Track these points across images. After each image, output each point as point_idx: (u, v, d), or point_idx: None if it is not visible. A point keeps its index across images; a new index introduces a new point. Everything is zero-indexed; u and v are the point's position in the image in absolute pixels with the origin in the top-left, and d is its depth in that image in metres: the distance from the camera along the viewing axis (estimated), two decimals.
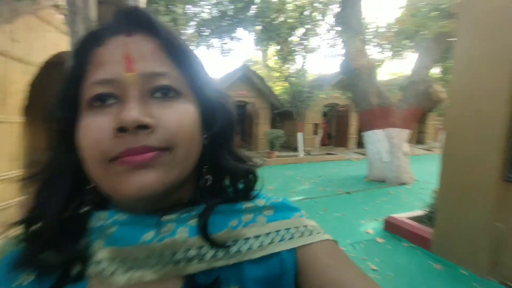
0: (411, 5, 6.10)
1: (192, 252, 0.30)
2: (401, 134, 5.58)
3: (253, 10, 8.58)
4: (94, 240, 0.31)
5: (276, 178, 6.40)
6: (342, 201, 4.50)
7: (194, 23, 8.95)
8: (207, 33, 9.15)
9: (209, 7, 9.48)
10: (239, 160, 0.37)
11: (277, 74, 10.69)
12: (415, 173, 5.82)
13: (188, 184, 0.34)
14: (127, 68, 0.28)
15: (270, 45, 9.20)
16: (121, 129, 0.27)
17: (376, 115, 5.60)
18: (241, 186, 0.37)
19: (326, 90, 9.84)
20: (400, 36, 6.47)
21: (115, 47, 0.30)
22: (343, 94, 8.65)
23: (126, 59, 0.29)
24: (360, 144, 9.32)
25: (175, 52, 0.31)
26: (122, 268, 0.29)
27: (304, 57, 9.61)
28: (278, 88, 11.83)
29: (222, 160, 0.36)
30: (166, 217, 0.31)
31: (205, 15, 9.29)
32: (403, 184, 5.47)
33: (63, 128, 0.32)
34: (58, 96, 0.32)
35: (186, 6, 8.47)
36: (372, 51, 7.78)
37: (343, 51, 6.09)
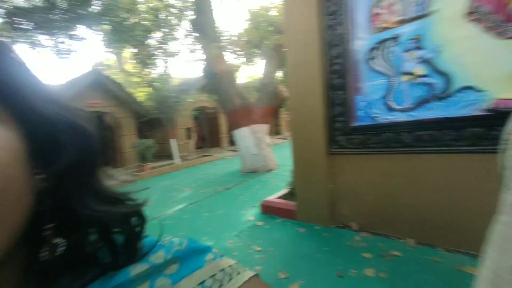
0: (254, 19, 7.27)
1: None
2: (263, 129, 6.52)
3: (96, 6, 7.34)
4: None
5: (153, 192, 5.88)
6: (223, 198, 4.74)
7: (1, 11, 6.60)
8: (29, 27, 7.01)
9: None
10: (110, 201, 0.27)
11: (138, 79, 9.74)
12: (277, 159, 6.96)
13: (13, 261, 0.22)
14: None
15: (124, 47, 8.23)
16: None
17: (240, 114, 6.28)
18: (120, 239, 0.27)
19: (193, 94, 9.96)
20: (249, 45, 7.55)
21: None
22: (209, 97, 9.08)
23: None
24: (232, 142, 10.14)
25: None
26: None
27: (166, 61, 9.29)
28: (140, 94, 10.82)
29: (80, 207, 0.24)
30: None
31: (20, 2, 7.05)
32: (270, 170, 6.43)
33: None
34: None
35: None
36: (230, 57, 8.62)
37: (204, 56, 6.37)
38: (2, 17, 6.75)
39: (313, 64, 2.63)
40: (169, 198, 5.25)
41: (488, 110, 1.73)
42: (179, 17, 8.11)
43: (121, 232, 0.27)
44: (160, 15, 7.97)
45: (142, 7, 8.30)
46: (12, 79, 0.22)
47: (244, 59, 8.54)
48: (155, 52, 8.72)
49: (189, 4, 7.48)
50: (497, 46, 1.58)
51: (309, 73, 2.69)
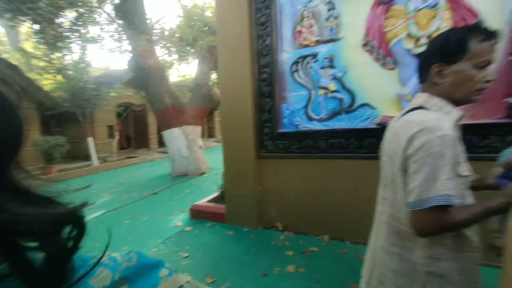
0: (187, 16, 7.00)
1: None
2: (195, 130, 6.34)
3: None
4: None
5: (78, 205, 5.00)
6: (149, 203, 4.40)
7: None
8: None
9: None
10: (35, 201, 0.21)
11: (43, 64, 8.12)
12: (210, 162, 6.88)
13: None
14: None
15: (22, 21, 6.66)
16: None
17: (171, 114, 5.96)
18: (48, 251, 0.19)
19: (116, 88, 8.90)
20: (182, 42, 7.23)
21: None
22: (136, 93, 8.30)
23: None
24: (162, 143, 9.50)
25: None
26: None
27: (84, 47, 8.03)
28: (47, 82, 9.05)
29: None
30: None
31: None
32: (203, 173, 6.29)
33: None
34: None
35: None
36: (161, 52, 8.05)
37: (130, 48, 5.79)
38: None
39: (244, 70, 2.72)
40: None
41: (379, 124, 2.13)
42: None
43: (44, 247, 0.19)
44: None
45: None
46: None
47: (177, 56, 8.13)
48: (69, 35, 7.42)
49: None
50: (383, 74, 1.98)
51: (240, 78, 2.76)
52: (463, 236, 0.75)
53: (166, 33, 7.32)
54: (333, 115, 2.34)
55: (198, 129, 6.45)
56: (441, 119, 0.72)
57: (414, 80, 1.92)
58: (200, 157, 6.40)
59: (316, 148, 2.47)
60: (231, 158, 3.01)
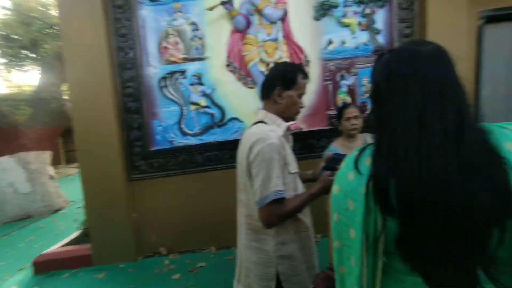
0: (20, 11, 5.33)
1: None
2: (41, 157, 4.90)
3: None
4: None
5: None
6: None
7: None
8: None
9: None
10: None
11: None
12: (69, 194, 5.47)
13: None
14: None
15: None
16: None
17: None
18: None
19: None
20: (13, 44, 5.45)
21: None
22: None
23: None
24: None
25: None
26: None
27: None
28: None
29: None
30: None
31: None
32: (58, 210, 4.91)
33: None
34: None
35: None
36: None
37: None
38: None
39: (104, 85, 2.38)
40: None
41: None
42: None
43: None
44: None
45: None
46: None
47: (3, 61, 6.05)
48: None
49: None
50: (245, 92, 2.29)
51: (98, 94, 2.39)
52: (299, 220, 0.95)
53: None
54: (206, 129, 2.43)
55: (45, 155, 5.02)
56: (271, 131, 0.91)
57: None
58: (52, 190, 4.97)
59: (193, 162, 2.47)
60: (93, 186, 2.51)
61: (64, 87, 5.97)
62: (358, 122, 1.70)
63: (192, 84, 2.37)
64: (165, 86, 2.40)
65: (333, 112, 2.37)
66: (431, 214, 0.43)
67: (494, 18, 2.35)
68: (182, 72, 2.37)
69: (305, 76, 1.01)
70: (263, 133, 0.89)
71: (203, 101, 2.39)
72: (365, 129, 1.76)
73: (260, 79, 2.34)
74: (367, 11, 2.30)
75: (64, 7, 2.40)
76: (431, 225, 0.43)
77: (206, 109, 2.40)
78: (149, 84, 2.40)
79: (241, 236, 1.03)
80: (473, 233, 0.41)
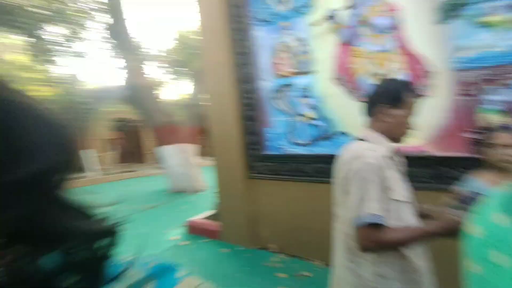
0: (181, 40, 7.27)
1: None
2: (189, 149, 6.44)
3: None
4: None
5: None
6: (147, 216, 4.54)
7: None
8: None
9: None
10: (79, 215, 0.24)
11: (33, 75, 8.07)
12: (207, 180, 6.88)
13: None
14: None
15: (7, 31, 6.65)
16: None
17: (166, 132, 6.11)
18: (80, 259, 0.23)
19: (112, 104, 9.08)
20: (176, 63, 7.51)
21: None
22: (131, 110, 8.49)
23: None
24: (158, 159, 9.61)
25: None
26: None
27: (72, 61, 8.18)
28: (36, 93, 9.06)
29: (44, 222, 0.20)
30: None
31: None
32: (199, 191, 6.32)
33: None
34: None
35: None
36: (156, 72, 8.27)
37: (124, 66, 5.99)
38: None
39: (229, 95, 2.89)
40: None
41: None
42: (90, 16, 7.20)
43: (86, 252, 0.22)
44: (53, 5, 6.79)
45: None
46: None
47: (172, 76, 8.39)
48: (56, 48, 7.42)
49: (101, 5, 6.68)
50: (353, 106, 2.15)
51: (226, 102, 2.93)
52: (405, 258, 0.84)
53: (162, 54, 7.59)
54: (315, 140, 2.46)
55: (193, 147, 6.56)
56: (371, 150, 0.86)
57: None
58: (196, 175, 6.50)
59: (301, 171, 2.55)
60: (223, 178, 3.15)
61: (204, 96, 7.52)
62: None
63: (300, 97, 2.49)
64: (276, 97, 2.65)
65: (473, 135, 1.75)
66: None
67: None
68: (291, 86, 2.53)
69: (413, 94, 0.91)
70: (360, 151, 0.86)
71: (310, 113, 2.45)
72: None
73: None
74: None
75: (204, 34, 3.07)
76: None
77: (314, 121, 2.43)
78: (263, 96, 2.72)
79: (338, 253, 0.99)
80: None
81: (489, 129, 1.34)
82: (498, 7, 1.59)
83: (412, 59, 1.92)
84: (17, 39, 7.11)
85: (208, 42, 3.03)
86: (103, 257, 0.24)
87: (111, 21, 5.98)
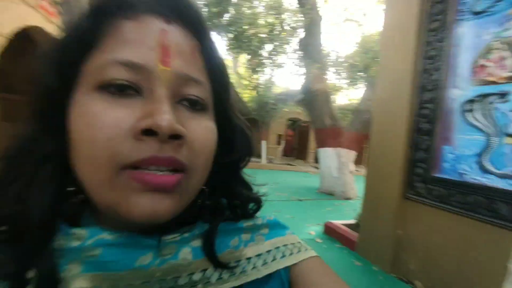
0: (363, 45, 7.18)
1: (197, 276, 0.26)
2: (349, 154, 6.34)
3: (226, 18, 9.02)
4: (66, 264, 0.23)
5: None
6: (293, 207, 5.04)
7: None
8: None
9: None
10: (247, 188, 0.36)
11: (246, 83, 11.24)
12: (359, 190, 6.61)
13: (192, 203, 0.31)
14: (162, 60, 0.23)
15: (240, 53, 9.67)
16: (150, 132, 0.21)
17: (328, 134, 6.36)
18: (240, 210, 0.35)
19: (289, 105, 10.66)
20: (354, 68, 7.51)
21: (150, 29, 0.24)
22: (303, 111, 9.51)
23: (163, 49, 0.23)
24: (317, 159, 10.24)
25: (213, 62, 0.28)
26: None
27: (272, 71, 10.36)
28: (246, 95, 12.39)
29: (231, 186, 0.34)
30: (167, 238, 0.27)
31: None
32: (348, 198, 6.16)
33: (48, 105, 0.24)
34: (49, 62, 0.24)
35: None
36: (332, 77, 8.80)
37: (304, 73, 6.83)
38: None
39: (401, 103, 2.59)
40: None
41: None
42: (291, 34, 8.84)
43: (244, 203, 0.35)
44: (274, 30, 8.91)
45: (261, 21, 9.52)
46: (224, 95, 0.30)
47: (347, 81, 8.51)
48: (265, 62, 9.83)
49: (301, 24, 8.09)
50: None
51: (395, 111, 2.66)
52: None
53: (341, 60, 7.93)
54: None
55: (351, 154, 6.41)
56: None
57: None
58: (349, 181, 6.33)
59: (490, 210, 1.90)
60: (373, 190, 2.94)
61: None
62: None
63: None
64: (470, 110, 2.06)
65: None
66: None
67: None
68: (502, 95, 1.86)
69: None
70: None
71: None
72: None
73: None
74: None
75: (384, 38, 2.94)
76: None
77: None
78: (449, 107, 2.21)
79: None
80: None
81: None
82: None
83: None
84: (244, 57, 10.19)
85: (388, 45, 2.86)
86: (249, 212, 0.36)
87: (303, 35, 7.02)
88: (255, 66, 9.64)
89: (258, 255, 0.31)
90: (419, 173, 2.44)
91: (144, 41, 0.23)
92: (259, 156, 11.04)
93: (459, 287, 2.08)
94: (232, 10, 8.66)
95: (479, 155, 2.01)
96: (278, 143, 12.30)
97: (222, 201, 0.34)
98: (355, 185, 6.47)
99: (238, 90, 12.28)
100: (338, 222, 3.73)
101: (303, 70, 6.94)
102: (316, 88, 6.36)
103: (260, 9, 8.85)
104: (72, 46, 0.24)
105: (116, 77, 0.22)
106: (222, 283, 0.27)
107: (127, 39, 0.23)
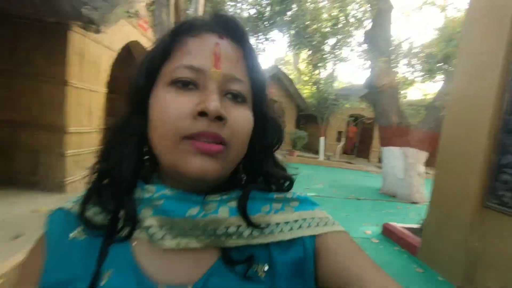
0: (444, 31, 6.18)
1: (232, 229, 0.33)
2: (418, 155, 5.75)
3: (288, 14, 9.01)
4: (141, 208, 0.33)
5: (294, 173, 7.00)
6: (350, 205, 4.90)
7: None
8: None
9: (248, 7, 10.08)
10: (278, 167, 0.41)
11: (306, 78, 11.08)
12: (428, 194, 5.93)
13: (226, 177, 0.36)
14: (214, 64, 0.32)
15: (302, 49, 9.55)
16: (202, 114, 0.30)
17: (394, 133, 5.86)
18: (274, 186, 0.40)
19: (352, 101, 10.09)
20: (431, 59, 6.57)
21: (207, 43, 0.33)
22: (368, 107, 8.89)
23: (215, 56, 0.32)
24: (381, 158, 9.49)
25: (252, 66, 0.35)
26: (170, 234, 0.32)
27: (335, 65, 9.95)
28: (306, 91, 12.29)
29: (264, 165, 0.39)
30: (210, 197, 0.34)
31: (244, 14, 9.90)
32: (414, 203, 5.61)
33: (138, 96, 0.34)
34: (141, 68, 0.35)
35: (228, 4, 9.12)
36: (403, 70, 7.94)
37: (370, 67, 6.38)
38: None
39: (486, 99, 2.28)
40: (304, 184, 6.11)
41: None
42: (357, 26, 8.31)
43: (275, 179, 0.41)
44: (338, 23, 8.51)
45: (324, 15, 9.19)
46: (261, 91, 0.37)
47: (422, 74, 7.54)
48: (327, 56, 9.51)
49: (368, 15, 7.53)
50: None
51: (476, 108, 2.37)
52: None
53: (416, 50, 7.06)
54: None
55: (422, 154, 5.78)
56: None
57: None
58: (416, 184, 5.75)
59: None
60: (442, 194, 2.69)
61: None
62: None
63: None
64: None
65: None
66: None
67: None
68: None
69: None
70: None
71: None
72: None
73: None
74: None
75: (469, 21, 2.61)
76: None
77: None
78: None
79: None
80: None
81: None
82: None
83: None
84: (306, 54, 10.04)
85: (474, 30, 2.52)
86: (282, 188, 0.41)
87: (370, 27, 6.52)
88: (317, 61, 9.45)
89: (286, 222, 0.35)
90: (506, 179, 2.15)
91: (202, 51, 0.32)
92: (317, 152, 10.86)
93: None
94: (294, 7, 8.62)
95: None
96: (338, 140, 11.82)
97: (259, 178, 0.40)
98: (424, 189, 5.83)
99: (298, 86, 12.23)
100: (399, 224, 3.52)
101: (368, 63, 6.48)
102: (382, 83, 5.91)
103: (324, 3, 8.59)
104: (157, 56, 0.34)
105: (182, 76, 0.32)
106: (252, 238, 0.33)
107: (191, 50, 0.33)
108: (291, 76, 13.02)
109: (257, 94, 0.36)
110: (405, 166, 5.81)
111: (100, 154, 0.36)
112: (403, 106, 6.18)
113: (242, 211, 0.33)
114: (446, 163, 2.68)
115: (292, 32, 9.24)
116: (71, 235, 0.34)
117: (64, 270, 0.32)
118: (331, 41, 9.34)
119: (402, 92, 7.17)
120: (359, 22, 8.11)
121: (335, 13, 8.68)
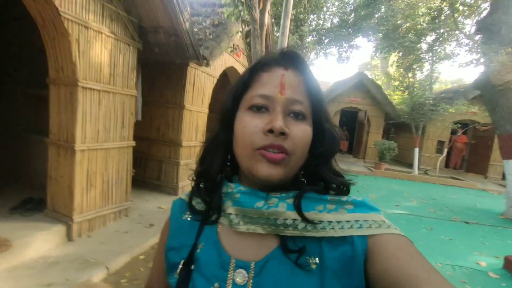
0: None
1: (289, 221, 0.40)
2: None
3: (375, 17, 8.47)
4: (225, 200, 0.44)
5: (379, 189, 6.37)
6: (454, 228, 4.17)
7: (315, 33, 9.69)
8: (326, 42, 9.65)
9: (331, 17, 9.98)
10: (335, 173, 0.45)
11: (396, 83, 10.01)
12: None
13: (290, 180, 0.43)
14: (280, 91, 0.40)
15: (391, 52, 8.72)
16: (270, 131, 0.38)
17: None
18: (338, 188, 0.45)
19: (458, 105, 8.41)
20: None
21: (275, 74, 0.41)
22: (482, 111, 7.27)
23: (281, 85, 0.40)
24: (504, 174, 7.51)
25: (311, 89, 0.42)
26: (243, 221, 0.41)
27: (433, 65, 8.62)
28: (396, 97, 11.06)
29: (320, 171, 0.44)
30: (272, 194, 0.42)
31: (327, 24, 9.87)
32: None
33: (226, 117, 0.44)
34: (228, 96, 0.45)
35: (311, 16, 9.30)
36: None
37: (485, 62, 5.26)
38: (315, 37, 9.87)
39: None
40: (393, 200, 5.51)
41: None
42: (468, 15, 6.99)
43: (332, 184, 0.44)
44: (441, 15, 7.41)
45: (420, 10, 8.17)
46: (319, 109, 0.43)
47: None
48: (423, 56, 8.40)
49: (482, 1, 6.27)
50: None
51: None
52: None
53: None
54: None
55: None
56: None
57: None
58: None
59: None
60: None
61: None
62: None
63: None
64: None
65: None
66: None
67: None
68: None
69: None
70: None
71: None
72: None
73: None
74: None
75: None
76: None
77: None
78: None
79: None
80: None
81: None
82: None
83: None
84: (396, 56, 9.11)
85: None
86: (340, 193, 0.44)
87: (485, 15, 5.41)
88: (410, 63, 8.46)
89: (338, 222, 0.39)
90: None
91: (272, 82, 0.41)
92: (410, 165, 9.56)
93: None
94: (382, 8, 8.11)
95: None
96: (439, 151, 10.01)
97: (319, 183, 0.44)
98: None
99: (387, 91, 11.17)
100: None
101: (482, 58, 5.34)
102: (504, 81, 4.82)
103: None
104: (239, 88, 0.44)
105: (256, 103, 0.41)
106: (306, 231, 0.39)
107: (264, 82, 0.42)
108: (379, 82, 12.06)
109: (315, 111, 0.43)
110: None
111: (199, 159, 0.49)
112: None
113: (297, 207, 0.40)
114: None
115: (380, 35, 8.68)
116: (184, 216, 0.48)
117: (178, 239, 0.47)
118: (429, 38, 8.24)
119: None
120: (471, 10, 6.80)
121: (436, 4, 7.65)
